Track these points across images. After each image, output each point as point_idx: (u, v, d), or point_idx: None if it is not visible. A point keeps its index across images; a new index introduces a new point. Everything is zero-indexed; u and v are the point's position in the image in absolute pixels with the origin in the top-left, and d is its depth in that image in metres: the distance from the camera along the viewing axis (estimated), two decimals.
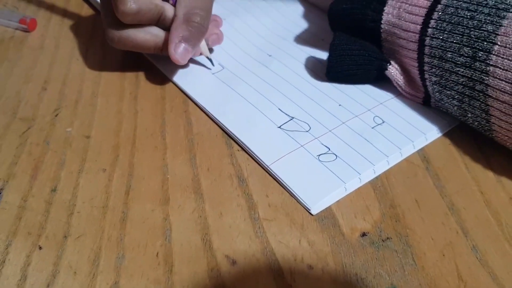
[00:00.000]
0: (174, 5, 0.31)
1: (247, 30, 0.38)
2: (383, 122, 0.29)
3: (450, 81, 0.27)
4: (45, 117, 0.30)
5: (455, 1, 0.27)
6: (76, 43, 0.37)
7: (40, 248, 0.23)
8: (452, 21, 0.27)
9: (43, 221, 0.24)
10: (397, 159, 0.27)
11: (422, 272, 0.22)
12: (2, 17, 0.38)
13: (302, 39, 0.37)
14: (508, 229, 0.23)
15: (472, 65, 0.26)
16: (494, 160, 0.27)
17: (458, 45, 0.26)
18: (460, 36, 0.26)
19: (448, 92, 0.28)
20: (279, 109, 0.30)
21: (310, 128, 0.29)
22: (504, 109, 0.25)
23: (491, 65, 0.25)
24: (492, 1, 0.26)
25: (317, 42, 0.36)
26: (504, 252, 0.22)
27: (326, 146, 0.27)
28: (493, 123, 0.26)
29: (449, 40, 0.27)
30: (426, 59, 0.28)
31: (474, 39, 0.26)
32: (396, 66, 0.31)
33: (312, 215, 0.24)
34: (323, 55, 0.34)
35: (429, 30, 0.28)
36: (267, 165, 0.26)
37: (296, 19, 0.39)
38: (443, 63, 0.27)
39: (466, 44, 0.26)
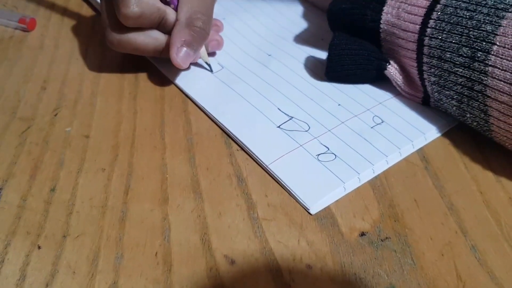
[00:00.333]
0: (176, 9, 0.31)
1: (247, 29, 0.38)
2: (382, 121, 0.29)
3: (449, 81, 0.27)
4: (44, 117, 0.30)
5: (454, 1, 0.27)
6: (76, 43, 0.37)
7: (39, 247, 0.23)
8: (451, 21, 0.27)
9: (42, 220, 0.24)
10: (396, 159, 0.27)
11: (421, 272, 0.22)
12: (1, 16, 0.38)
13: (302, 38, 0.37)
14: (507, 229, 0.23)
15: (471, 65, 0.26)
16: (493, 160, 0.27)
17: (457, 45, 0.26)
18: (459, 36, 0.26)
19: (447, 92, 0.28)
20: (278, 108, 0.30)
21: (309, 127, 0.29)
22: (502, 110, 0.25)
23: (490, 65, 0.25)
24: (491, 1, 0.26)
25: (317, 42, 0.36)
26: (503, 252, 0.22)
27: (325, 146, 0.27)
28: (492, 123, 0.26)
29: (448, 40, 0.27)
30: (425, 59, 0.28)
31: (473, 39, 0.26)
32: (395, 66, 0.31)
33: (311, 214, 0.24)
34: (323, 54, 0.34)
35: (428, 30, 0.28)
36: (266, 165, 0.26)
37: (295, 19, 0.39)
38: (442, 63, 0.27)
39: (465, 44, 0.26)
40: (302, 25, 0.39)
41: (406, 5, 0.29)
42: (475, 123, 0.27)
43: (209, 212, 0.24)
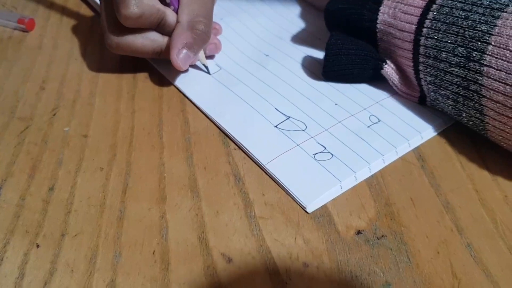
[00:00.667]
0: (175, 10, 0.31)
1: (244, 30, 0.38)
2: (379, 121, 0.29)
3: (445, 81, 0.27)
4: (43, 117, 0.30)
5: (450, 1, 0.28)
6: (74, 43, 0.37)
7: (38, 246, 0.23)
8: (447, 21, 0.27)
9: (40, 219, 0.24)
10: (392, 158, 0.27)
11: (416, 270, 0.22)
12: (0, 17, 0.38)
13: (299, 38, 0.37)
14: (503, 227, 0.24)
15: (467, 65, 0.26)
16: (489, 158, 0.27)
17: (452, 45, 0.27)
18: (455, 36, 0.27)
19: (442, 91, 0.28)
20: (275, 108, 0.30)
21: (306, 127, 0.29)
22: (498, 109, 0.25)
23: (485, 65, 0.25)
24: (487, 1, 0.26)
25: (314, 42, 0.36)
26: (498, 249, 0.23)
27: (322, 145, 0.28)
28: (487, 122, 0.26)
29: (443, 40, 0.27)
30: (421, 59, 0.29)
31: (468, 39, 0.26)
32: (392, 65, 0.31)
33: (307, 213, 0.24)
34: (320, 54, 0.35)
35: (424, 30, 0.28)
36: (263, 164, 0.26)
37: (293, 19, 0.40)
38: (438, 63, 0.28)
39: (461, 44, 0.26)
40: (299, 24, 0.39)
41: (403, 5, 0.30)
42: (470, 123, 0.27)
43: (206, 210, 0.24)
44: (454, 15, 0.27)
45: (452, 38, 0.27)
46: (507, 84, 0.24)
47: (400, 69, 0.31)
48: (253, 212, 0.24)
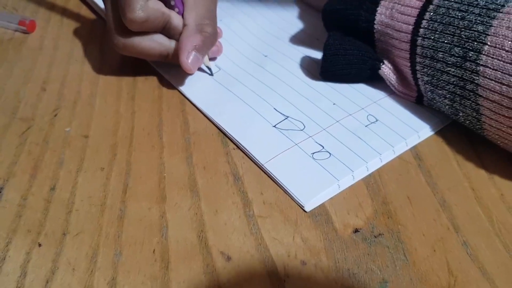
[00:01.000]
0: (180, 13, 0.31)
1: (243, 31, 0.38)
2: (377, 120, 0.30)
3: (442, 81, 0.28)
4: (44, 117, 0.31)
5: (446, 2, 0.28)
6: (75, 44, 0.37)
7: (40, 245, 0.23)
8: (443, 22, 0.27)
9: (42, 219, 0.24)
10: (390, 157, 0.28)
11: (413, 267, 0.22)
12: (1, 18, 0.39)
13: (297, 39, 0.37)
14: (499, 225, 0.24)
15: (463, 65, 0.26)
16: (486, 157, 0.28)
17: (449, 45, 0.27)
18: (451, 36, 0.27)
19: (439, 91, 0.28)
20: (274, 108, 0.31)
21: (304, 126, 0.29)
22: (494, 108, 0.25)
23: (481, 65, 0.25)
24: (483, 2, 0.26)
25: (312, 42, 0.37)
26: (494, 247, 0.23)
27: (320, 144, 0.28)
28: (484, 121, 0.26)
29: (440, 40, 0.27)
30: (418, 59, 0.29)
31: (464, 39, 0.26)
32: (389, 65, 0.31)
33: (306, 212, 0.25)
34: (318, 54, 0.35)
35: (421, 30, 0.28)
36: (262, 164, 0.27)
37: (291, 19, 0.40)
38: (435, 63, 0.28)
39: (457, 44, 0.26)
40: (297, 25, 0.39)
41: (400, 5, 0.30)
42: (467, 122, 0.27)
43: (205, 210, 0.25)
44: (450, 15, 0.27)
45: (449, 38, 0.27)
46: (503, 84, 0.24)
47: (397, 69, 0.31)
48: (251, 211, 0.25)
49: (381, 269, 0.22)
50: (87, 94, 0.32)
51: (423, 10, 0.29)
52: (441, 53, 0.27)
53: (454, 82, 0.27)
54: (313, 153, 0.27)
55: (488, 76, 0.25)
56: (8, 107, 0.31)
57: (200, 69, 0.34)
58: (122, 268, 0.22)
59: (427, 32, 0.28)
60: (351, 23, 0.33)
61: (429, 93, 0.29)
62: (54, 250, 0.23)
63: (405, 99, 0.31)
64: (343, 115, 0.30)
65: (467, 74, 0.26)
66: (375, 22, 0.31)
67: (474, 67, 0.26)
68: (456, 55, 0.26)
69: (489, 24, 0.25)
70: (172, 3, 0.31)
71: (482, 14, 0.26)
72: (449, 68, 0.27)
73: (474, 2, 0.27)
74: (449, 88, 0.27)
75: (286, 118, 0.30)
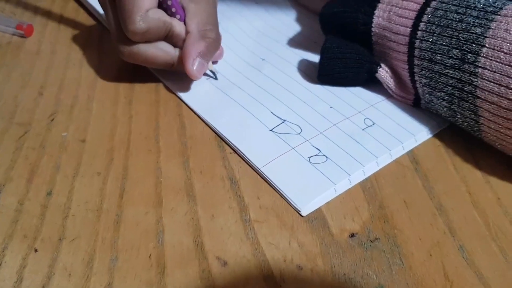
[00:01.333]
0: (181, 19, 0.31)
1: (241, 34, 0.38)
2: (374, 124, 0.30)
3: (440, 83, 0.28)
4: (41, 122, 0.31)
5: (444, 4, 0.28)
6: (72, 49, 0.37)
7: (36, 250, 0.23)
8: (441, 24, 0.27)
9: (38, 224, 0.24)
10: (386, 161, 0.27)
11: (409, 272, 0.22)
12: None
13: (295, 42, 0.37)
14: (495, 229, 0.24)
15: (461, 67, 0.26)
16: (483, 161, 0.27)
17: (447, 48, 0.27)
18: (449, 39, 0.27)
19: (437, 93, 0.28)
20: (271, 112, 0.30)
21: (301, 130, 0.29)
22: (492, 110, 0.25)
23: (480, 67, 0.25)
24: (481, 4, 0.26)
25: (310, 45, 0.37)
26: (490, 252, 0.23)
27: (317, 148, 0.28)
28: (482, 123, 0.26)
29: (438, 42, 0.27)
30: (416, 61, 0.29)
31: (463, 41, 0.26)
32: (386, 68, 0.31)
33: (302, 216, 0.25)
34: (316, 58, 0.35)
35: (419, 32, 0.28)
36: (258, 168, 0.27)
37: (288, 23, 0.40)
38: (433, 65, 0.28)
39: (455, 46, 0.26)
40: (295, 28, 0.39)
41: (397, 8, 0.30)
42: (465, 124, 0.27)
43: (202, 214, 0.25)
44: (448, 18, 0.27)
45: (447, 40, 0.27)
46: (502, 85, 0.24)
47: (394, 72, 0.31)
48: (248, 216, 0.25)
49: (377, 273, 0.22)
50: (84, 98, 0.32)
51: (420, 12, 0.29)
52: (439, 55, 0.27)
53: (452, 84, 0.27)
54: (310, 157, 0.27)
55: (486, 78, 0.25)
56: (5, 112, 0.31)
57: (205, 74, 0.34)
58: (118, 273, 0.22)
59: (425, 35, 0.28)
60: (349, 26, 0.32)
61: (426, 95, 0.29)
62: (50, 255, 0.23)
63: (402, 102, 0.31)
64: (340, 119, 0.30)
65: (466, 76, 0.26)
66: (373, 24, 0.31)
67: (472, 69, 0.26)
68: (455, 57, 0.26)
69: (487, 27, 0.25)
70: (173, 10, 0.31)
71: (480, 16, 0.26)
72: (447, 70, 0.27)
73: (472, 5, 0.27)
74: (447, 90, 0.27)
75: (283, 122, 0.30)
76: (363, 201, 0.25)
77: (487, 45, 0.25)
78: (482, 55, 0.25)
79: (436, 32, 0.27)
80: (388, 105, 0.31)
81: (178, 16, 0.31)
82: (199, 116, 0.31)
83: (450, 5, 0.27)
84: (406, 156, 0.28)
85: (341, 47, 0.32)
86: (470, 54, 0.26)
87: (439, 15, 0.28)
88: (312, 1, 0.40)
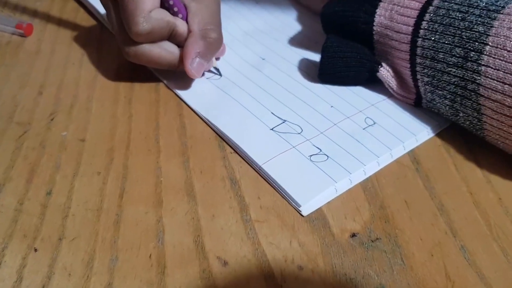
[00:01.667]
0: (184, 18, 0.31)
1: (241, 33, 0.38)
2: (374, 123, 0.30)
3: (442, 81, 0.28)
4: (40, 122, 0.30)
5: (446, 3, 0.28)
6: (72, 48, 0.37)
7: (36, 250, 0.23)
8: (444, 22, 0.27)
9: (38, 223, 0.24)
10: (387, 161, 0.27)
11: (410, 272, 0.22)
12: None
13: (296, 41, 0.37)
14: (497, 229, 0.24)
15: (464, 65, 0.26)
16: (484, 161, 0.27)
17: (450, 46, 0.27)
18: (452, 37, 0.27)
19: (440, 92, 0.28)
20: (271, 112, 0.30)
21: (302, 130, 0.29)
22: (495, 108, 0.25)
23: (483, 65, 0.25)
24: (483, 3, 0.26)
25: (310, 44, 0.36)
26: (492, 252, 0.23)
27: (317, 148, 0.28)
28: (485, 121, 0.26)
29: (441, 41, 0.27)
30: (418, 60, 0.29)
31: (465, 39, 0.26)
32: (387, 68, 0.31)
33: (303, 216, 0.24)
34: (316, 57, 0.35)
35: (421, 31, 0.28)
36: (259, 165, 0.27)
37: (289, 22, 0.40)
38: (435, 64, 0.28)
39: (458, 44, 0.26)
40: (295, 28, 0.39)
41: (399, 7, 0.30)
42: (467, 122, 0.27)
43: (202, 214, 0.25)
44: (450, 16, 0.27)
45: (449, 39, 0.27)
46: (505, 83, 0.24)
47: (396, 72, 0.31)
48: (248, 216, 0.24)
49: (378, 274, 0.22)
50: (84, 98, 0.32)
51: (422, 11, 0.29)
52: (442, 53, 0.27)
53: (455, 82, 0.27)
54: (311, 155, 0.27)
55: (490, 76, 0.25)
56: (5, 111, 0.31)
57: (209, 71, 0.34)
58: (118, 273, 0.22)
59: (427, 33, 0.28)
60: (350, 25, 0.32)
61: (428, 94, 0.29)
62: (50, 255, 0.23)
63: (403, 101, 0.31)
64: (341, 118, 0.30)
65: (469, 74, 0.26)
66: (374, 23, 0.31)
67: (475, 67, 0.26)
68: (457, 55, 0.26)
69: (490, 25, 0.25)
70: (175, 9, 0.31)
71: (483, 15, 0.26)
72: (450, 69, 0.27)
73: (474, 4, 0.27)
74: (450, 89, 0.27)
75: (283, 122, 0.30)
76: (364, 201, 0.25)
77: (490, 43, 0.25)
78: (485, 53, 0.25)
79: (439, 31, 0.27)
80: (389, 104, 0.31)
81: (180, 15, 0.31)
82: (199, 116, 0.31)
83: (452, 4, 0.27)
84: (407, 156, 0.28)
85: (342, 46, 0.32)
86: (473, 52, 0.26)
87: (441, 14, 0.28)
88: (313, 1, 0.40)
